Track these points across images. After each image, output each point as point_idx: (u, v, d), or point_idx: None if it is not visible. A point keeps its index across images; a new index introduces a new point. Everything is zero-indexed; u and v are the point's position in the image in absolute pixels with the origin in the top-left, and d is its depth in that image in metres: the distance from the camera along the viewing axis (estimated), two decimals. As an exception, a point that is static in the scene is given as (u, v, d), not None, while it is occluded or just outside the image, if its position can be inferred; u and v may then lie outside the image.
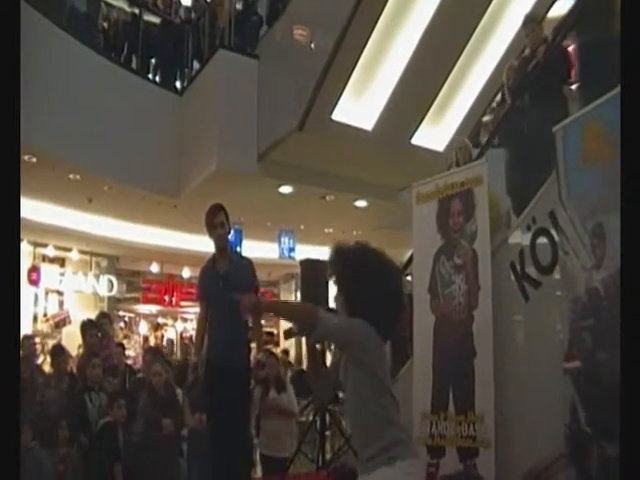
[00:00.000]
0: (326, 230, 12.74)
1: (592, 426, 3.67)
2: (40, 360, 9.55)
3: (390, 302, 2.91)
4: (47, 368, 7.89)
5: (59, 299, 13.91)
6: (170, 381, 6.89)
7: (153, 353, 8.47)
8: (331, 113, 8.77)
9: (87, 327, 7.34)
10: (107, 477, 5.74)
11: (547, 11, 9.21)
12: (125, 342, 15.68)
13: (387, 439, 2.74)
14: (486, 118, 9.24)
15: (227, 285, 5.04)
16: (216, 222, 5.21)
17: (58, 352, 7.31)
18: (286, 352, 13.50)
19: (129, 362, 14.63)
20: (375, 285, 2.85)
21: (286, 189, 10.57)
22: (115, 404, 6.08)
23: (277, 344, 15.37)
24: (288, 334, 3.04)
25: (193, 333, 16.11)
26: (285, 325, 4.05)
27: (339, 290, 2.99)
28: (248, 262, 5.33)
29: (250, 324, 5.26)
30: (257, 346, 5.60)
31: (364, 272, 2.90)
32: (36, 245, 13.02)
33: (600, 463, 3.53)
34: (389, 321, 2.92)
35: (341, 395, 3.71)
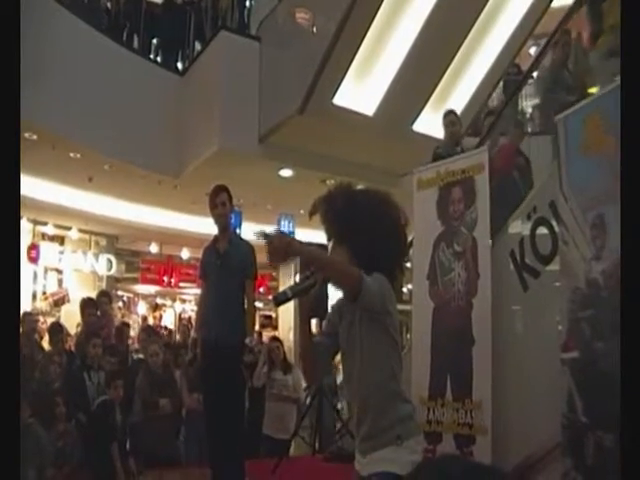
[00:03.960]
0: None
1: (589, 416, 3.68)
2: (38, 337, 9.59)
3: (398, 244, 2.72)
4: (46, 346, 7.92)
5: (58, 277, 13.91)
6: (168, 362, 6.93)
7: (148, 333, 8.51)
8: (332, 97, 8.74)
9: (86, 306, 7.37)
10: (104, 456, 5.77)
11: (550, 3, 9.21)
12: (123, 322, 15.76)
13: (396, 414, 2.52)
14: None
15: (224, 265, 5.13)
16: (217, 201, 5.29)
17: (56, 330, 7.34)
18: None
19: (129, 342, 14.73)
20: (381, 230, 2.63)
21: (286, 172, 10.55)
22: (113, 384, 6.10)
23: (275, 327, 15.41)
24: (279, 300, 2.55)
25: (192, 314, 16.29)
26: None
27: (342, 244, 2.68)
28: (249, 246, 5.31)
29: (245, 305, 5.25)
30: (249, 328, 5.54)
31: (368, 221, 2.65)
32: (36, 223, 13.00)
33: (596, 452, 3.55)
34: (398, 265, 2.74)
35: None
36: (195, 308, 17.21)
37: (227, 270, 5.13)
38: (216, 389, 5.03)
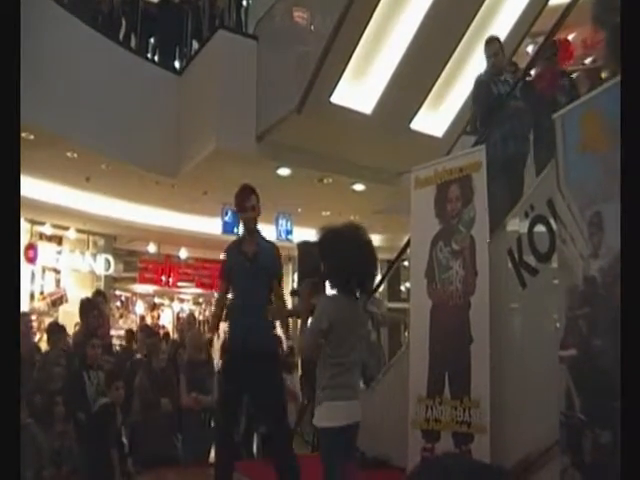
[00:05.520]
0: (323, 213, 12.72)
1: (587, 413, 3.69)
2: (37, 338, 9.59)
3: (359, 266, 3.81)
4: (43, 346, 7.91)
5: (56, 277, 13.89)
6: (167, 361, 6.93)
7: (147, 333, 8.51)
8: (330, 96, 8.74)
9: (88, 307, 7.35)
10: (104, 458, 5.77)
11: (547, 1, 9.22)
12: (121, 321, 15.78)
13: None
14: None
15: (255, 268, 4.99)
16: (247, 206, 5.10)
17: (55, 330, 7.33)
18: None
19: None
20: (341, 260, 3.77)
21: (284, 171, 10.55)
22: (113, 385, 6.09)
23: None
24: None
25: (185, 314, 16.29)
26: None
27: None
28: (275, 247, 5.24)
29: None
30: (283, 332, 5.46)
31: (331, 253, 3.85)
32: (33, 223, 12.99)
33: (594, 450, 3.56)
34: (364, 280, 3.87)
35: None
36: (193, 308, 17.23)
37: (258, 273, 4.99)
38: (253, 393, 4.96)
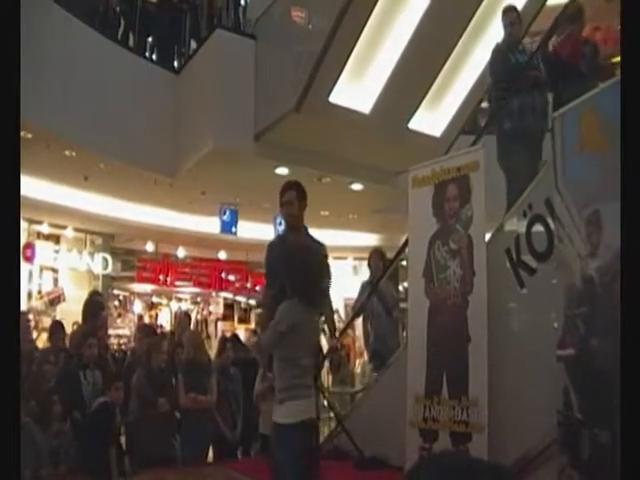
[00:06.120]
0: (322, 213, 12.73)
1: (584, 413, 3.70)
2: (34, 336, 9.58)
3: (315, 278, 4.07)
4: (41, 345, 7.91)
5: (54, 276, 13.87)
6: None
7: (146, 331, 8.50)
8: (328, 95, 8.74)
9: (94, 307, 7.34)
10: (101, 457, 5.77)
11: (545, 0, 9.22)
12: (119, 320, 15.78)
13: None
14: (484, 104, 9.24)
15: None
16: (283, 201, 4.98)
17: (56, 328, 7.32)
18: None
19: (123, 340, 14.77)
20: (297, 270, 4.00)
21: (282, 170, 10.55)
22: (113, 386, 6.09)
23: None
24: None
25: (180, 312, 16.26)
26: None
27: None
28: (322, 246, 4.90)
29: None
30: (330, 330, 5.08)
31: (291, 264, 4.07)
32: (31, 222, 12.97)
33: (592, 449, 3.57)
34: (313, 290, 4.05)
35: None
36: (191, 307, 17.23)
37: None
38: None
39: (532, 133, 5.97)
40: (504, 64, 6.30)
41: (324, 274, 4.29)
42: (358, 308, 7.41)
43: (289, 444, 3.86)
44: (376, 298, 7.17)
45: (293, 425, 3.86)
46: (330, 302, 5.11)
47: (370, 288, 7.21)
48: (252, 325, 15.91)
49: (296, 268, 4.03)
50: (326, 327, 4.97)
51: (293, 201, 4.97)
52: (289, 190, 5.01)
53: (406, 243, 6.16)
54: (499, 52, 6.44)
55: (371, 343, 7.46)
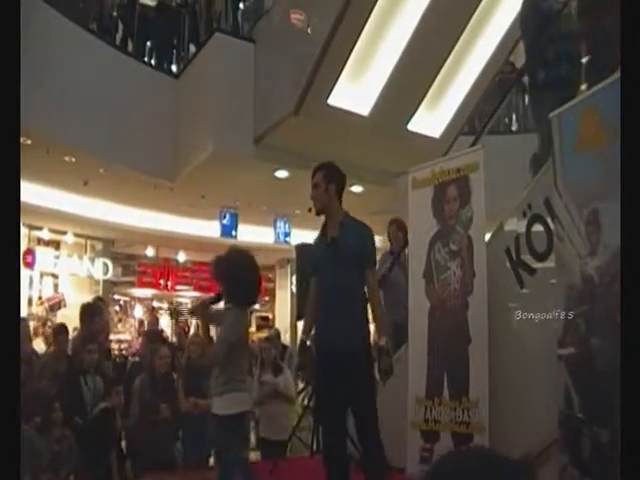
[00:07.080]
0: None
1: (585, 412, 3.70)
2: (34, 342, 9.56)
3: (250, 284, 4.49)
4: (40, 350, 7.89)
5: (54, 282, 13.88)
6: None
7: (152, 337, 8.48)
8: (327, 98, 8.75)
9: (90, 313, 7.32)
10: (103, 462, 5.77)
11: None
12: (120, 325, 15.77)
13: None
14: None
15: (335, 253, 4.35)
16: (312, 184, 4.54)
17: (60, 331, 7.29)
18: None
19: (124, 345, 14.75)
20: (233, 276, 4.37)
21: (282, 173, 10.56)
22: (113, 390, 6.08)
23: (271, 327, 15.44)
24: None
25: (189, 317, 16.30)
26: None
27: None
28: (367, 229, 4.49)
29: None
30: (378, 329, 4.48)
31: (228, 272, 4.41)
32: (31, 228, 12.97)
33: (593, 449, 3.57)
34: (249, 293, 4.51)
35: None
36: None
37: (340, 260, 4.30)
38: (337, 402, 4.27)
39: (568, 82, 5.51)
40: (535, 12, 5.89)
41: (255, 279, 4.58)
42: (380, 279, 7.21)
43: (224, 435, 4.27)
44: (397, 267, 6.93)
45: (231, 416, 4.24)
46: (378, 296, 4.71)
47: (392, 259, 7.10)
48: (252, 328, 15.91)
49: (230, 277, 4.39)
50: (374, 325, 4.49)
51: (320, 183, 4.49)
52: (317, 172, 4.55)
53: (406, 245, 6.15)
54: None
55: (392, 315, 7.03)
